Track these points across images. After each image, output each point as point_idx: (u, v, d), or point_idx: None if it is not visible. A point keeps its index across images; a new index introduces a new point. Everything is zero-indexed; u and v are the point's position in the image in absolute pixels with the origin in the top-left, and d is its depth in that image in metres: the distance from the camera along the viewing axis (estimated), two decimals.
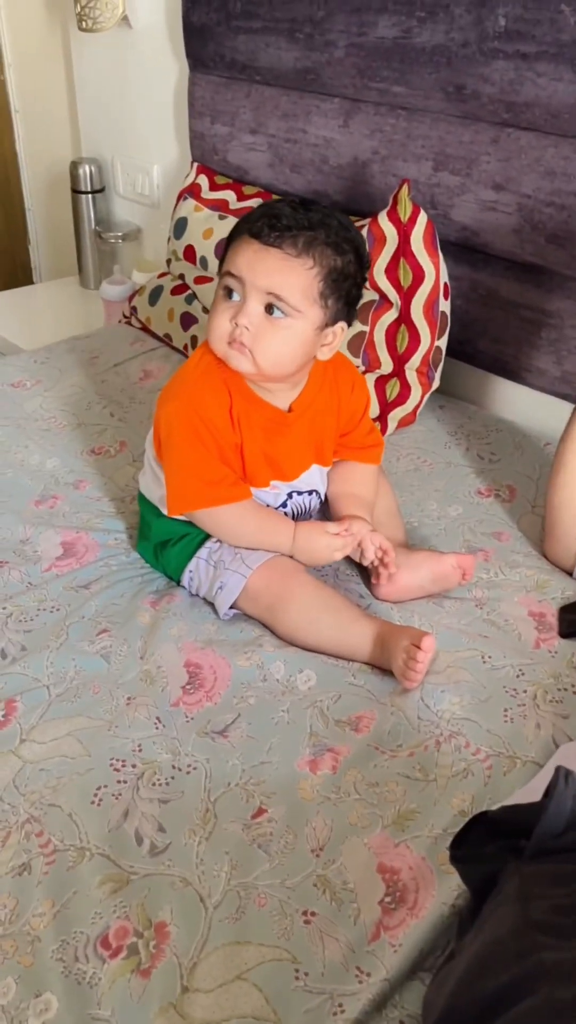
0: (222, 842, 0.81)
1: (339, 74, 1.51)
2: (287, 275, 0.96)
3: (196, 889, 0.77)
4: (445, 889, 0.78)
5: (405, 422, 1.46)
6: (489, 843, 0.64)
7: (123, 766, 0.88)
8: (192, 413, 1.03)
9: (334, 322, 1.02)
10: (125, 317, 1.84)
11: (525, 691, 0.98)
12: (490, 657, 1.02)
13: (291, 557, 1.09)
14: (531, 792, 0.87)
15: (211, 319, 1.02)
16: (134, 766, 0.88)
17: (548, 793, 0.65)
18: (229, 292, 1.00)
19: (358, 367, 1.43)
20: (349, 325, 1.06)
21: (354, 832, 0.83)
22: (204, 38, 1.71)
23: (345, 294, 1.01)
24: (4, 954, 0.73)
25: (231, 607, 1.07)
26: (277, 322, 0.98)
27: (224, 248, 1.02)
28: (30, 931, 0.74)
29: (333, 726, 0.93)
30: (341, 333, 1.05)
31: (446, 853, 0.80)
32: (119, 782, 0.86)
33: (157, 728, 0.92)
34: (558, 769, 0.64)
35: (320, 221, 0.98)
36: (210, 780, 0.87)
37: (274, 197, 1.65)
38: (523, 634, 1.06)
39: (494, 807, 0.85)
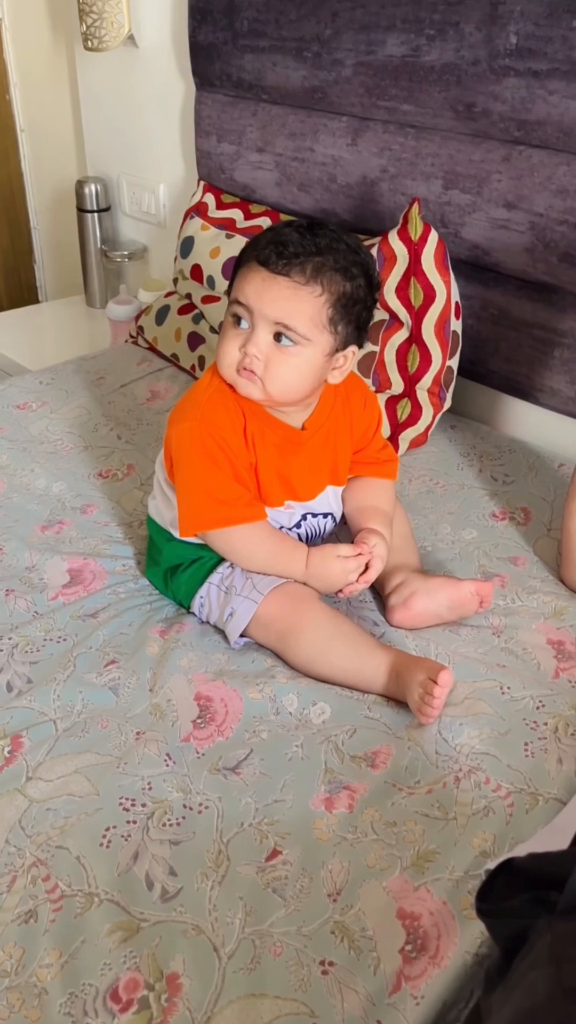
0: (236, 886, 0.78)
1: (347, 93, 1.50)
2: (295, 304, 0.95)
3: (209, 937, 0.74)
4: (467, 936, 0.75)
5: (417, 443, 1.44)
6: (516, 894, 0.61)
7: (133, 805, 0.85)
8: (205, 433, 1.02)
9: (344, 347, 1.01)
10: (131, 337, 1.83)
11: (546, 723, 0.95)
12: (509, 688, 0.99)
13: (304, 584, 1.06)
14: (555, 831, 0.84)
15: (220, 346, 1.00)
16: (144, 805, 0.85)
17: None
18: (237, 319, 0.98)
19: (369, 387, 1.41)
20: (360, 348, 1.04)
21: (372, 875, 0.80)
22: (211, 57, 1.70)
23: (355, 318, 1.00)
24: (10, 1007, 0.70)
25: (242, 635, 1.05)
26: (286, 350, 0.97)
27: (233, 273, 1.01)
28: (37, 983, 0.72)
29: (349, 762, 0.90)
30: (352, 356, 1.03)
31: (467, 897, 0.78)
32: (129, 822, 0.84)
33: (167, 765, 0.90)
34: None
35: (328, 246, 0.96)
36: (222, 820, 0.84)
37: (282, 216, 1.64)
38: (542, 663, 1.03)
39: (516, 847, 0.83)
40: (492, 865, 0.72)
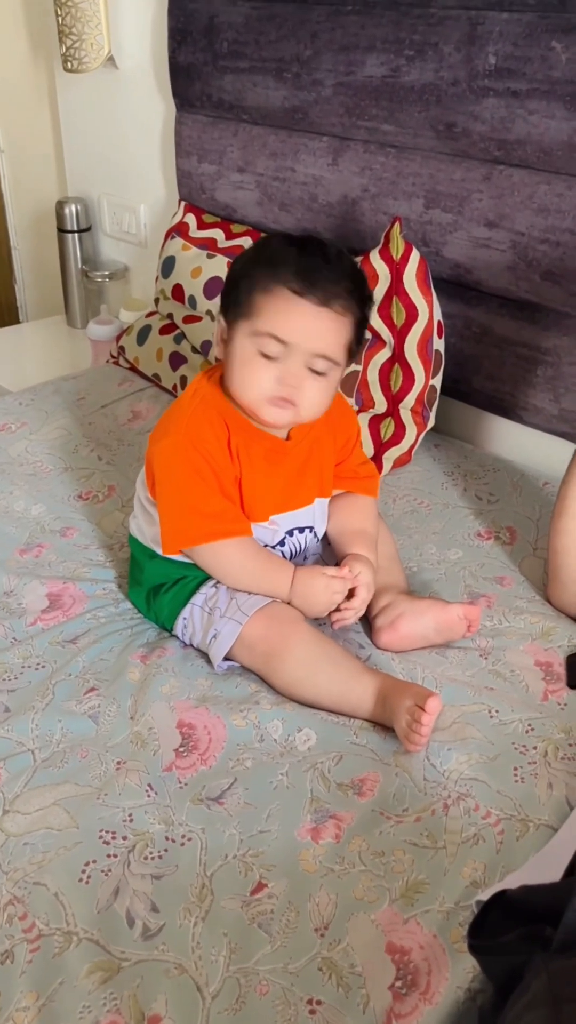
0: (220, 922, 0.76)
1: (327, 113, 1.50)
2: (337, 335, 0.98)
3: (192, 976, 0.72)
4: (459, 971, 0.72)
5: (401, 462, 1.43)
6: (510, 929, 0.59)
7: (113, 838, 0.83)
8: (190, 447, 1.01)
9: (350, 363, 1.04)
10: (113, 357, 1.81)
11: (535, 747, 0.93)
12: (497, 711, 0.97)
13: (289, 603, 1.05)
14: (546, 859, 0.82)
15: (247, 375, 0.98)
16: (125, 838, 0.83)
17: (571, 871, 0.60)
18: (263, 348, 0.97)
19: (352, 406, 1.40)
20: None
21: (360, 907, 0.78)
22: (191, 78, 1.70)
23: (361, 337, 1.03)
24: None
25: (226, 658, 1.02)
26: (320, 376, 0.99)
27: (242, 294, 0.97)
28: None
29: (335, 790, 0.88)
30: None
31: (459, 930, 0.76)
32: (109, 856, 0.81)
33: (149, 796, 0.87)
34: None
35: (350, 271, 0.99)
36: (206, 852, 0.82)
37: (262, 235, 1.63)
38: (530, 685, 1.02)
39: (507, 876, 0.81)
40: (484, 896, 0.70)
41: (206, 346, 1.58)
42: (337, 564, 1.08)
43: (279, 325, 0.95)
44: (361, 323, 1.01)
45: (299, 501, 1.10)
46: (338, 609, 1.06)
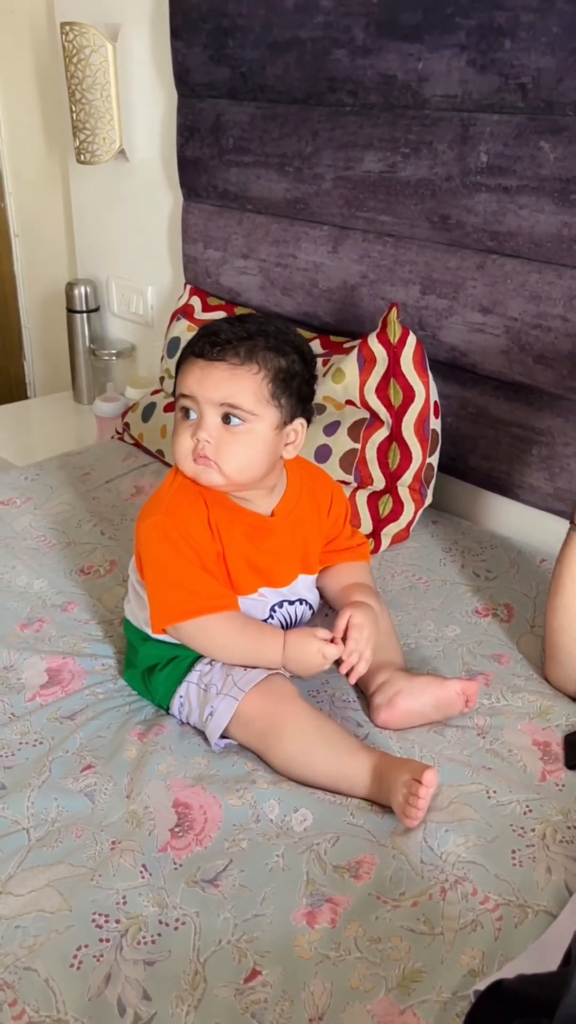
0: (212, 1011, 0.74)
1: (327, 204, 1.57)
2: (236, 383, 1.00)
3: None
4: None
5: (399, 538, 1.45)
6: (506, 1021, 0.58)
7: (106, 922, 0.82)
8: (170, 526, 1.04)
9: (291, 419, 1.05)
10: (118, 433, 1.85)
11: (533, 830, 0.93)
12: (495, 792, 0.97)
13: (284, 676, 1.05)
14: (545, 947, 0.81)
15: (174, 440, 1.05)
16: (118, 921, 0.82)
17: (567, 960, 0.60)
18: (186, 412, 1.03)
19: (350, 483, 1.43)
20: (309, 422, 1.08)
21: (356, 997, 0.76)
22: (198, 170, 1.78)
23: (296, 391, 1.04)
24: None
25: (223, 735, 1.02)
26: (235, 429, 1.01)
27: (175, 374, 1.05)
28: None
29: (331, 872, 0.87)
30: (302, 430, 1.07)
31: (456, 1021, 0.74)
32: (101, 941, 0.80)
33: (143, 877, 0.86)
34: None
35: (257, 330, 1.02)
36: (199, 937, 0.81)
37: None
38: (528, 765, 1.01)
39: (505, 965, 0.79)
40: (481, 987, 0.69)
41: None
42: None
43: (184, 381, 1.02)
44: (281, 374, 1.01)
45: (283, 578, 1.12)
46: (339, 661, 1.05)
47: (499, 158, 1.32)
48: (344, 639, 1.05)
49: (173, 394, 1.05)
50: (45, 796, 0.95)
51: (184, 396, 1.02)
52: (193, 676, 1.06)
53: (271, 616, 1.12)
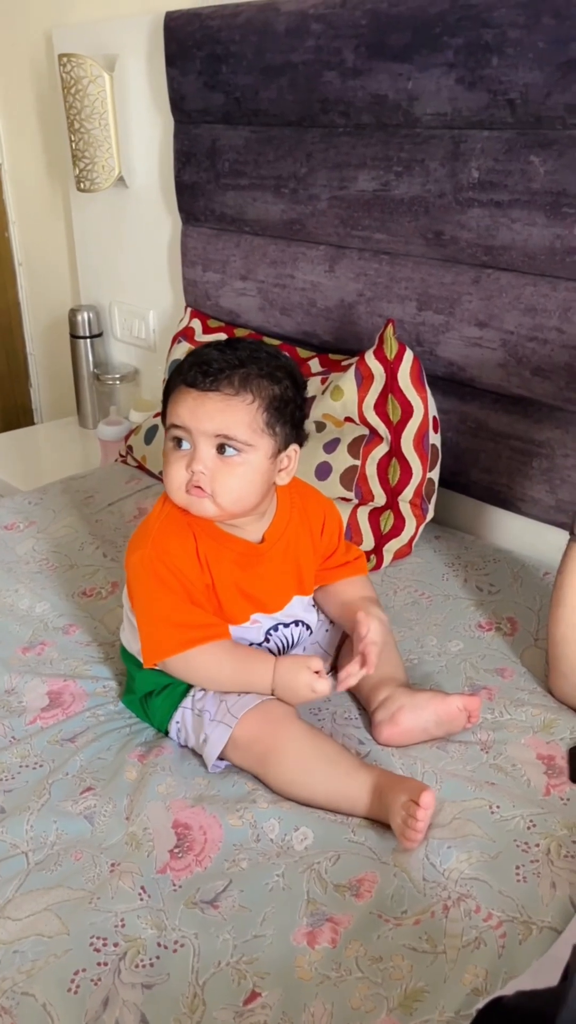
0: None
1: (323, 224, 1.58)
2: (231, 414, 0.97)
3: None
4: None
5: (401, 554, 1.44)
6: None
7: (104, 945, 0.81)
8: (156, 560, 1.02)
9: (286, 446, 1.04)
10: (121, 456, 1.86)
11: (537, 845, 0.91)
12: (498, 807, 0.95)
13: (276, 698, 1.04)
14: (550, 963, 0.79)
15: (166, 471, 1.02)
16: (116, 944, 0.81)
17: (566, 976, 0.59)
18: (178, 442, 1.00)
19: (351, 500, 1.43)
20: (301, 446, 1.07)
21: (357, 1018, 0.75)
22: (195, 195, 1.80)
23: (290, 418, 1.03)
24: None
25: (221, 758, 1.02)
26: (230, 460, 0.99)
27: (163, 400, 1.03)
28: None
29: (332, 891, 0.86)
30: (295, 455, 1.06)
31: None
32: (99, 964, 0.79)
33: (142, 899, 0.85)
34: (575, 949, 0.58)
35: (249, 357, 1.00)
36: (198, 959, 0.80)
37: (265, 339, 1.70)
38: (532, 780, 1.00)
39: (509, 983, 0.78)
40: (482, 1005, 0.68)
41: None
42: (340, 642, 1.10)
43: (176, 412, 0.99)
44: (275, 403, 1.00)
45: (276, 603, 1.10)
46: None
47: (490, 173, 1.33)
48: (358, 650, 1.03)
49: (163, 422, 1.04)
50: (44, 819, 0.94)
51: (176, 427, 1.00)
52: (187, 702, 1.06)
53: (267, 640, 1.11)
